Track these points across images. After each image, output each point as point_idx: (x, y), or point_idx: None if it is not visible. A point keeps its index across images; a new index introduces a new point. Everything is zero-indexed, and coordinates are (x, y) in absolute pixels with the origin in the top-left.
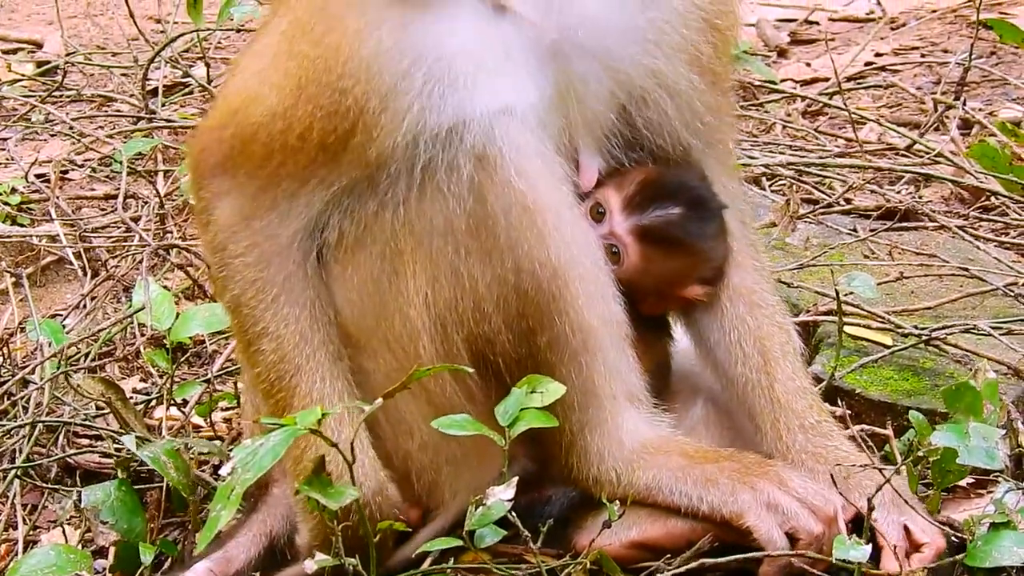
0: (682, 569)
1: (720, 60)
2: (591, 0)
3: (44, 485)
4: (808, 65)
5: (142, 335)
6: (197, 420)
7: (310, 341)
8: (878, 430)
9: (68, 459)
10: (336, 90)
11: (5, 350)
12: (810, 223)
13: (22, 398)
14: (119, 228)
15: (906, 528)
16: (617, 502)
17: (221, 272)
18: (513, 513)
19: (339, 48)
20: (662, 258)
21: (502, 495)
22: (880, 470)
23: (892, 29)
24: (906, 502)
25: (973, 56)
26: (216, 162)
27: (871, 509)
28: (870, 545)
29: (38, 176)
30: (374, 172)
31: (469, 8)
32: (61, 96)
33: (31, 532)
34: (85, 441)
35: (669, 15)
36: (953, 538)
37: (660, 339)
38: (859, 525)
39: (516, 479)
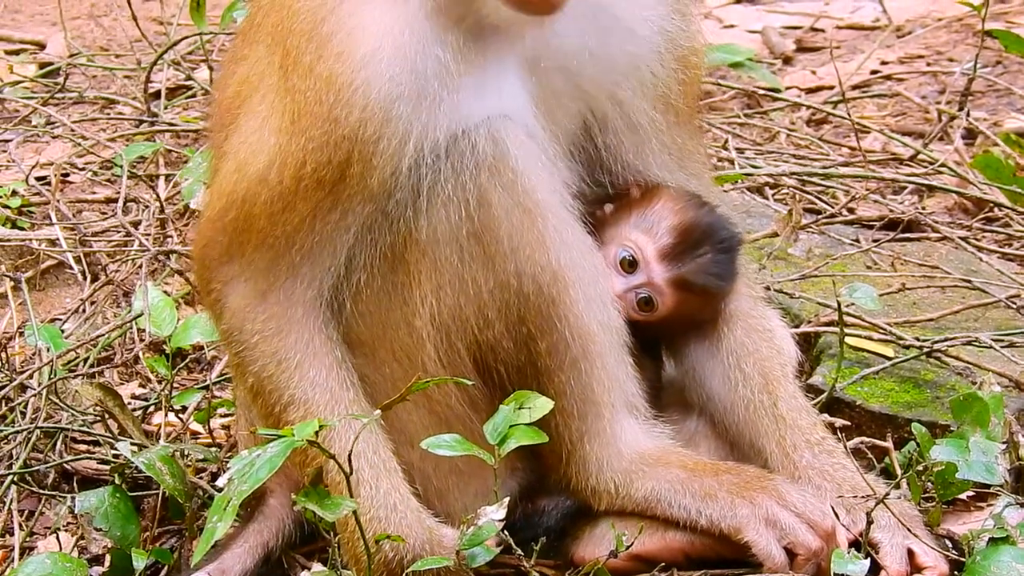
0: None
1: (687, 97)
2: (574, 25)
3: (41, 491)
4: (813, 73)
5: (141, 341)
6: (196, 427)
7: (341, 400)
8: (878, 442)
9: (66, 465)
10: (328, 120)
11: (3, 355)
12: (812, 233)
13: (20, 403)
14: (119, 232)
15: (910, 551)
16: (615, 525)
17: (240, 353)
18: (506, 532)
19: (330, 77)
20: (694, 300)
21: (493, 515)
22: (883, 497)
23: (898, 37)
24: (910, 530)
25: (979, 65)
26: (222, 250)
27: (869, 523)
28: (868, 559)
29: (39, 179)
30: (383, 202)
31: (463, 25)
32: (63, 98)
33: (28, 538)
34: (83, 447)
35: (646, 52)
36: (953, 552)
37: (651, 358)
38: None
39: (508, 499)
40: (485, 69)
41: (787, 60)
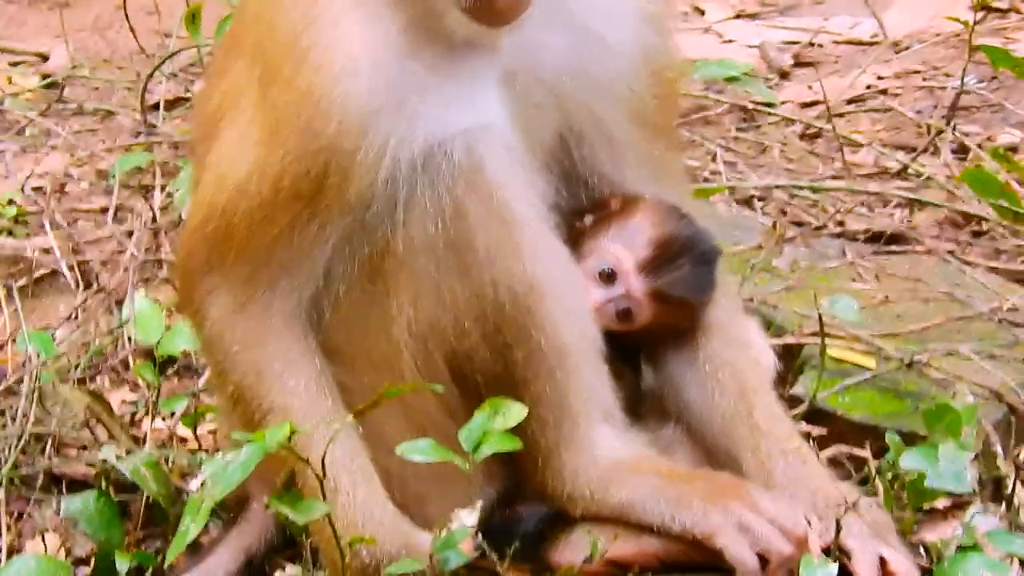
0: None
1: (664, 112)
2: (551, 36)
3: (30, 494)
4: (809, 88)
5: (131, 348)
6: (183, 431)
7: (319, 408)
8: (856, 451)
9: (54, 469)
10: (306, 132)
11: None
12: (799, 246)
13: (10, 408)
14: (112, 241)
15: (882, 559)
16: (590, 531)
17: (220, 362)
18: (481, 536)
19: (308, 90)
20: (672, 311)
21: (466, 520)
22: (853, 503)
23: (895, 53)
24: (882, 538)
25: (976, 81)
26: (203, 260)
27: (839, 529)
28: (837, 564)
29: (35, 189)
30: (361, 214)
31: (438, 38)
32: (63, 109)
33: (16, 540)
34: (72, 451)
35: (622, 66)
36: (925, 560)
37: (630, 368)
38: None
39: (481, 503)
40: (462, 82)
41: (784, 75)
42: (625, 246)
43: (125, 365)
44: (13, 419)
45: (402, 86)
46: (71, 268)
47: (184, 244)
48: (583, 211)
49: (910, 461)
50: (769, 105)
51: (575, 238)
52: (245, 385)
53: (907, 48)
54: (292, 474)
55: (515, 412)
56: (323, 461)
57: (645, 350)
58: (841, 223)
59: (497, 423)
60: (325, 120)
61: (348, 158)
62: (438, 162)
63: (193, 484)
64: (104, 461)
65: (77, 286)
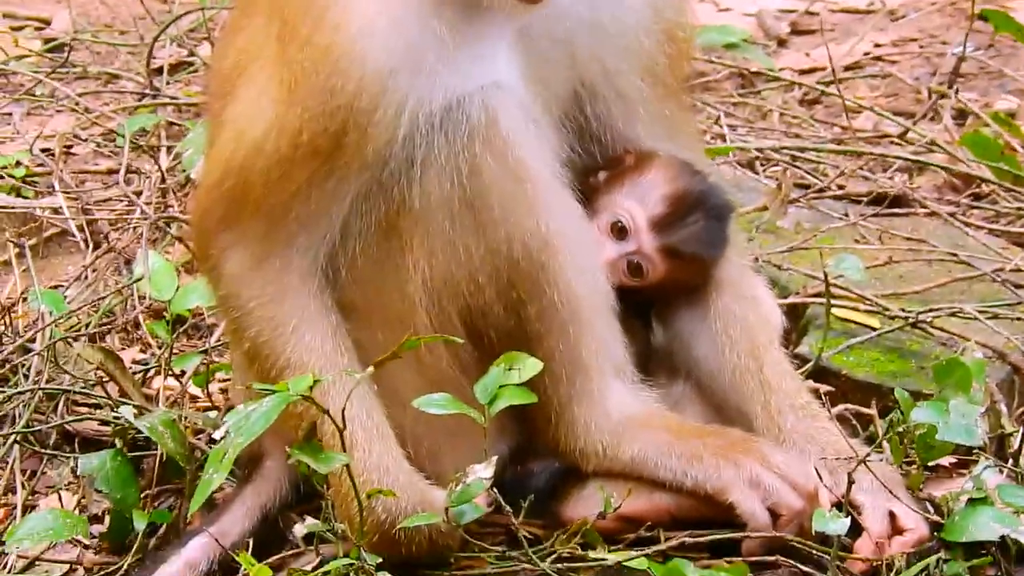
0: (664, 547)
1: (674, 72)
2: None
3: (43, 451)
4: (807, 55)
5: (142, 306)
6: (194, 390)
7: (336, 364)
8: (862, 409)
9: (67, 426)
10: (324, 90)
11: (7, 319)
12: (802, 207)
13: (23, 365)
14: (122, 201)
15: (891, 514)
16: (602, 487)
17: (237, 319)
18: (495, 490)
19: (327, 48)
20: (684, 266)
21: (482, 473)
22: (864, 458)
23: (892, 20)
24: (892, 492)
25: (972, 48)
26: (220, 217)
27: (850, 484)
28: (849, 518)
29: (43, 150)
30: (378, 171)
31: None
32: (67, 73)
33: (30, 497)
34: (84, 409)
35: (634, 22)
36: (934, 516)
37: (641, 324)
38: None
39: (496, 457)
40: (478, 39)
41: (781, 42)
42: (638, 202)
43: (135, 324)
44: (26, 376)
45: (420, 45)
46: (80, 228)
47: (200, 201)
48: (597, 168)
49: (921, 415)
50: (769, 71)
51: (588, 194)
52: (261, 341)
53: (903, 16)
54: (313, 426)
55: (530, 366)
56: (343, 413)
57: (656, 306)
58: (842, 187)
59: (512, 377)
60: (344, 79)
61: (366, 116)
62: (455, 120)
63: (217, 434)
64: (119, 419)
65: (86, 246)
